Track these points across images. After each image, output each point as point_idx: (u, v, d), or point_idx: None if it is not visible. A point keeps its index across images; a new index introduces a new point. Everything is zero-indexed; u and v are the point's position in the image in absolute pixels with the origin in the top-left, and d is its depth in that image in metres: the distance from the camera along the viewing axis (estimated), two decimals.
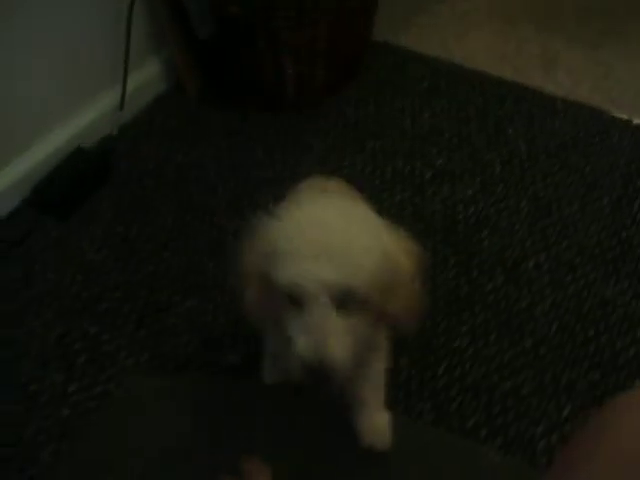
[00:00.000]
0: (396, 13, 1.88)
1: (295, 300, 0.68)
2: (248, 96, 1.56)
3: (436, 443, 0.99)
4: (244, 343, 1.10)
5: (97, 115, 1.43)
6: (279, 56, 1.45)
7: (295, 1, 1.34)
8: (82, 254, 1.24)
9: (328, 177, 0.98)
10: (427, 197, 1.36)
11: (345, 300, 0.67)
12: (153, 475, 0.93)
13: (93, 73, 1.40)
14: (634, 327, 1.18)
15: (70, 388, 1.06)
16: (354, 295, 0.67)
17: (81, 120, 1.41)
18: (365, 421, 0.92)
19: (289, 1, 1.34)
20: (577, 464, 0.56)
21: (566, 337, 1.15)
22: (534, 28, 1.87)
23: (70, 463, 0.97)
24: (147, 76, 1.54)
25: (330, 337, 0.67)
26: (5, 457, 0.98)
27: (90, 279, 1.21)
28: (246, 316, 0.77)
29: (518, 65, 1.74)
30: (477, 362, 1.11)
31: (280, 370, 0.98)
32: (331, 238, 0.66)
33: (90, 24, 1.34)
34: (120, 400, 1.03)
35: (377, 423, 0.92)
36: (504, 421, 1.03)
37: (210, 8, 1.49)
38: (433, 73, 1.67)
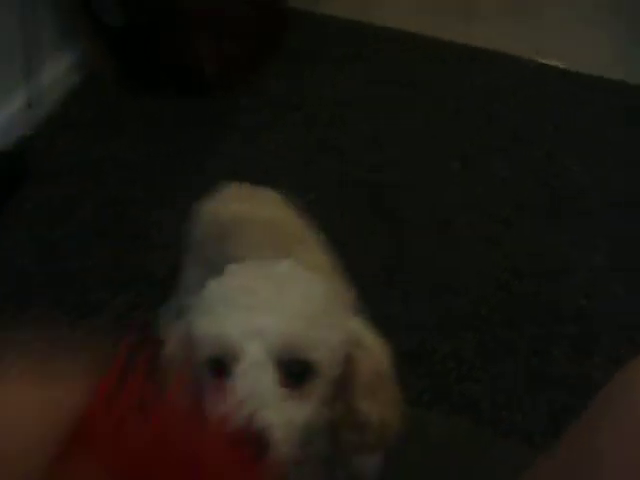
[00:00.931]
0: None
1: (220, 368, 0.51)
2: (167, 82, 1.50)
3: None
4: None
5: (8, 116, 1.37)
6: (193, 35, 1.40)
7: None
8: (6, 258, 1.19)
9: (254, 187, 0.88)
10: (352, 164, 1.32)
11: (291, 366, 0.51)
12: None
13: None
14: (572, 276, 1.17)
15: None
16: (304, 361, 0.51)
17: None
18: None
19: None
20: (601, 425, 0.53)
21: (504, 295, 1.11)
22: None
23: None
24: (59, 70, 1.48)
25: (266, 409, 0.49)
26: None
27: (18, 284, 1.16)
28: None
29: (439, 20, 1.71)
30: (411, 328, 1.06)
31: None
32: (272, 293, 0.53)
33: None
34: None
35: None
36: (447, 384, 1.00)
37: None
38: (354, 38, 1.64)
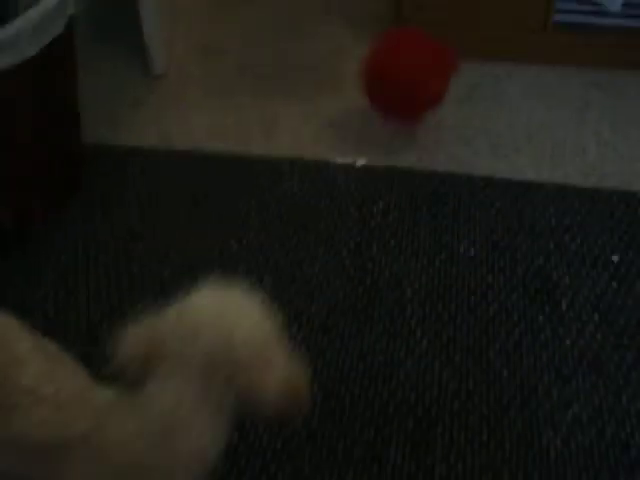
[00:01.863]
0: (112, 109, 1.87)
1: None
2: None
3: None
4: None
5: None
6: None
7: None
8: None
9: None
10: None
11: None
12: None
13: None
14: (396, 374, 1.18)
15: None
16: None
17: None
18: None
19: None
20: None
21: (334, 403, 1.09)
22: (250, 95, 1.85)
23: None
24: None
25: None
26: None
27: None
28: None
29: (240, 135, 1.75)
30: None
31: None
32: None
33: None
34: None
35: None
36: None
37: None
38: (154, 167, 1.60)
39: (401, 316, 1.25)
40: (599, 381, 1.16)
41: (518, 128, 1.76)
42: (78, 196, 1.55)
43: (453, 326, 1.24)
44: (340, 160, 1.61)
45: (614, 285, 1.32)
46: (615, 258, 1.38)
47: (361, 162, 1.59)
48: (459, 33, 1.91)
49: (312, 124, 1.77)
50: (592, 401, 1.13)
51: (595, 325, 1.26)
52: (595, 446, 1.07)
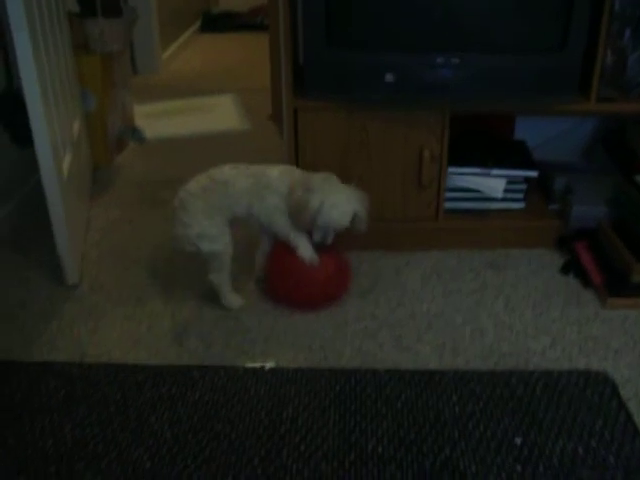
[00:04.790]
0: (24, 322, 1.89)
1: None
2: None
3: None
4: None
5: None
6: None
7: None
8: None
9: None
10: None
11: None
12: None
13: None
14: None
15: None
16: None
17: None
18: None
19: None
20: None
21: None
22: (162, 302, 1.90)
23: None
24: None
25: None
26: None
27: None
28: None
29: (152, 344, 1.77)
30: None
31: None
32: None
33: None
34: None
35: None
36: None
37: None
38: (67, 380, 1.61)
39: None
40: None
41: (419, 317, 1.86)
42: None
43: None
44: (249, 364, 1.65)
45: (518, 469, 1.37)
46: (518, 440, 1.44)
47: (270, 365, 1.64)
48: None
49: (221, 327, 1.82)
50: None
51: None
52: None
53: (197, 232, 1.78)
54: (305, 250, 1.83)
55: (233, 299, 1.93)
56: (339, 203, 1.74)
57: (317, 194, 1.73)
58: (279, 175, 1.82)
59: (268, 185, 1.78)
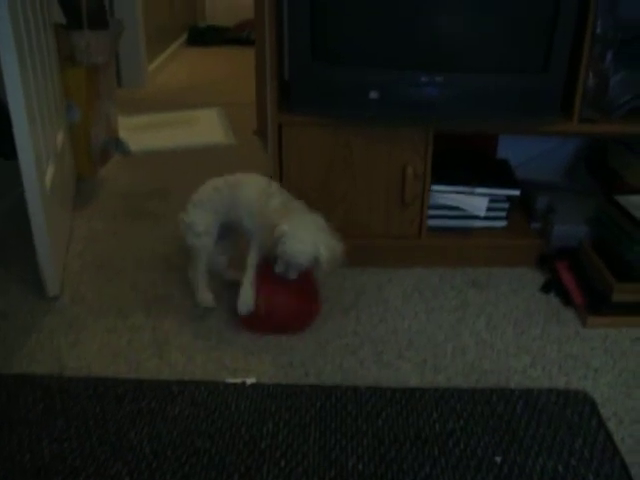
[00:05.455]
0: (4, 334, 1.88)
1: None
2: None
3: None
4: None
5: None
6: None
7: None
8: None
9: None
10: None
11: None
12: None
13: None
14: None
15: None
16: None
17: None
18: None
19: None
20: None
21: None
22: (144, 315, 1.90)
23: None
24: None
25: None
26: None
27: None
28: None
29: (133, 358, 1.76)
30: None
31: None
32: None
33: None
34: None
35: None
36: None
37: None
38: (46, 393, 1.59)
39: None
40: None
41: (401, 334, 1.87)
42: None
43: None
44: (230, 379, 1.64)
45: None
46: (498, 459, 1.45)
47: (251, 380, 1.64)
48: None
49: (202, 342, 1.82)
50: None
51: None
52: None
53: (188, 222, 1.91)
54: (243, 294, 1.84)
55: (204, 297, 1.98)
56: (303, 240, 1.69)
57: (289, 222, 1.70)
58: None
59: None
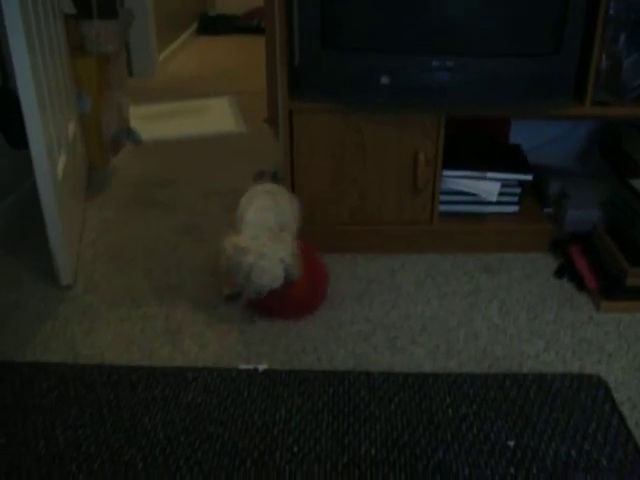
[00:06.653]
0: (18, 323, 1.89)
1: None
2: None
3: None
4: None
5: None
6: None
7: None
8: None
9: None
10: None
11: None
12: None
13: None
14: None
15: None
16: None
17: None
18: None
19: None
20: None
21: None
22: (156, 303, 1.90)
23: None
24: None
25: None
26: None
27: None
28: None
29: (146, 345, 1.77)
30: None
31: None
32: None
33: None
34: None
35: None
36: None
37: None
38: (60, 381, 1.60)
39: None
40: None
41: (414, 319, 1.86)
42: None
43: None
44: (243, 366, 1.65)
45: (512, 471, 1.37)
46: (511, 443, 1.44)
47: (263, 367, 1.64)
48: (351, 229, 2.06)
49: (215, 329, 1.82)
50: None
51: None
52: None
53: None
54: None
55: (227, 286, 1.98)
56: (269, 268, 1.70)
57: (247, 257, 1.71)
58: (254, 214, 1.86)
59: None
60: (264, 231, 1.73)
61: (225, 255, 1.77)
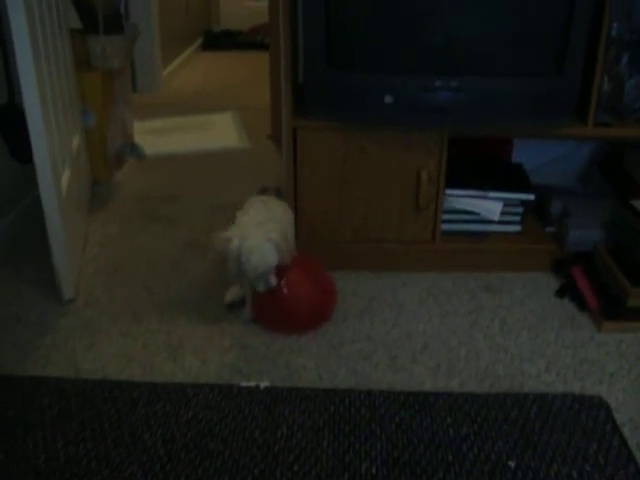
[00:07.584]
0: (19, 337, 1.88)
1: None
2: None
3: None
4: None
5: None
6: None
7: None
8: None
9: None
10: None
11: None
12: None
13: None
14: None
15: None
16: None
17: None
18: None
19: None
20: None
21: None
22: (158, 319, 1.90)
23: None
24: None
25: None
26: None
27: None
28: None
29: (147, 361, 1.76)
30: None
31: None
32: None
33: None
34: None
35: None
36: None
37: None
38: (61, 396, 1.60)
39: None
40: None
41: (415, 338, 1.86)
42: None
43: None
44: (244, 383, 1.65)
45: None
46: (512, 464, 1.44)
47: (264, 384, 1.64)
48: (353, 246, 2.06)
49: (216, 345, 1.82)
50: None
51: None
52: None
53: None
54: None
55: (227, 293, 2.02)
56: (256, 245, 1.69)
57: (233, 242, 1.72)
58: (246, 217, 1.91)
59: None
60: (252, 226, 1.70)
61: (215, 251, 1.79)
